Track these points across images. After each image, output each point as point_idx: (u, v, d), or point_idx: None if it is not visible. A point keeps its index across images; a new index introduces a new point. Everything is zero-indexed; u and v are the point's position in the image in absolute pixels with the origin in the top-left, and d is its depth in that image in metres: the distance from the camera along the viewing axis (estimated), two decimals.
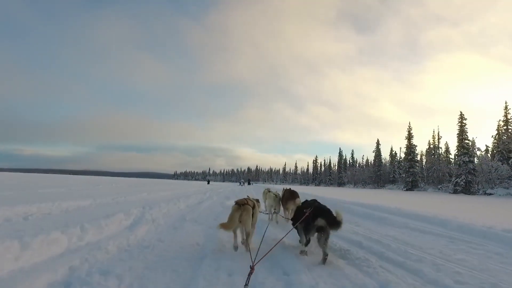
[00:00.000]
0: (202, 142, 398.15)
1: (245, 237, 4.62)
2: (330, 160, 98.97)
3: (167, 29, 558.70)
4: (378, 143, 69.30)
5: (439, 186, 42.07)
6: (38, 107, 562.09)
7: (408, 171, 50.04)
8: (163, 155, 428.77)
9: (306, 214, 4.34)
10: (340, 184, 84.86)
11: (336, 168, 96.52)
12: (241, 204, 4.56)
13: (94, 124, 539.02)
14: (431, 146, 53.81)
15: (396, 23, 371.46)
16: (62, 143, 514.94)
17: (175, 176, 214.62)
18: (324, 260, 4.01)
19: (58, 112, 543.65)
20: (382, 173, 66.27)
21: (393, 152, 71.50)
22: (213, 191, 22.39)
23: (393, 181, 64.54)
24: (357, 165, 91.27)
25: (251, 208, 4.64)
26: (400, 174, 63.80)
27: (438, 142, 48.89)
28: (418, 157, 52.27)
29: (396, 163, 67.01)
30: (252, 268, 3.20)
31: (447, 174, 42.94)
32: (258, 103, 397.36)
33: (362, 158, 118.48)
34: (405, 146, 51.63)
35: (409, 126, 51.45)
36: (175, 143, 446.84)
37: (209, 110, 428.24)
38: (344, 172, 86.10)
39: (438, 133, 49.02)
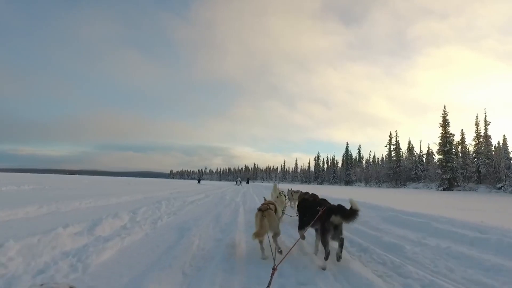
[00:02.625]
0: (199, 141, 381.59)
1: (271, 239, 4.11)
2: (334, 157, 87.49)
3: (153, 26, 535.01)
4: (393, 136, 57.56)
5: (498, 185, 30.41)
6: (33, 106, 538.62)
7: (445, 166, 38.31)
8: (161, 154, 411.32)
9: (320, 212, 3.83)
10: (348, 182, 73.10)
11: (340, 165, 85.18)
12: (264, 210, 4.09)
13: (91, 123, 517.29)
14: (463, 136, 42.35)
15: (383, 15, 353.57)
16: (59, 142, 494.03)
17: (171, 175, 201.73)
18: (341, 246, 3.63)
19: (53, 111, 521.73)
20: (402, 169, 54.44)
21: (411, 146, 59.99)
22: (174, 201, 10.32)
23: (415, 179, 52.85)
24: (364, 161, 79.84)
25: (274, 213, 4.21)
26: (424, 170, 52.27)
27: (486, 129, 36.96)
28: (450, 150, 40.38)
29: (416, 158, 55.45)
30: (274, 269, 2.78)
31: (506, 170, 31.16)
32: (250, 101, 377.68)
33: (369, 154, 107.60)
34: (440, 135, 39.88)
35: (445, 111, 39.73)
36: (173, 142, 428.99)
37: (203, 109, 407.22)
38: (352, 169, 74.37)
39: (485, 118, 36.98)
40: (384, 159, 62.99)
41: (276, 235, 4.12)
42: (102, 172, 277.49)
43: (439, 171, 39.19)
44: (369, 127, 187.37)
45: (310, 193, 7.85)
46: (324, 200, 4.75)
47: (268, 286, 2.44)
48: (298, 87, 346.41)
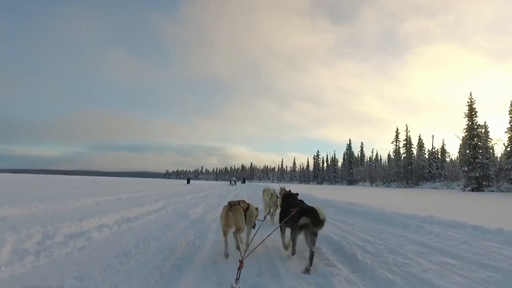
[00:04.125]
0: (194, 141, 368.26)
1: (236, 234, 3.98)
2: (334, 156, 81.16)
3: (143, 25, 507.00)
4: (400, 132, 51.22)
5: None
6: (26, 107, 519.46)
7: (473, 163, 32.00)
8: (156, 154, 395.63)
9: (292, 213, 3.93)
10: (351, 181, 66.76)
11: (340, 164, 78.86)
12: (232, 205, 4.08)
13: (85, 123, 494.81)
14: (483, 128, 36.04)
15: (372, 12, 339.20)
16: (53, 142, 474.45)
17: (167, 175, 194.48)
18: (311, 256, 3.47)
19: (46, 111, 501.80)
20: (414, 167, 48.08)
21: (421, 141, 53.66)
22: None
23: (428, 178, 46.57)
24: (366, 160, 73.61)
25: (242, 209, 4.14)
26: (438, 168, 46.02)
27: None
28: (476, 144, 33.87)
29: (429, 155, 49.15)
30: (241, 262, 2.78)
31: None
32: (243, 100, 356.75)
33: (372, 152, 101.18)
34: (465, 127, 33.60)
35: (471, 98, 33.43)
36: (167, 142, 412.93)
37: (196, 108, 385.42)
38: (355, 168, 68.07)
39: None
40: (392, 156, 56.64)
41: (238, 230, 4.00)
42: (97, 173, 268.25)
43: (466, 169, 32.81)
44: (363, 125, 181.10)
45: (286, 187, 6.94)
46: (301, 201, 4.56)
47: (237, 278, 2.45)
48: (290, 85, 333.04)
